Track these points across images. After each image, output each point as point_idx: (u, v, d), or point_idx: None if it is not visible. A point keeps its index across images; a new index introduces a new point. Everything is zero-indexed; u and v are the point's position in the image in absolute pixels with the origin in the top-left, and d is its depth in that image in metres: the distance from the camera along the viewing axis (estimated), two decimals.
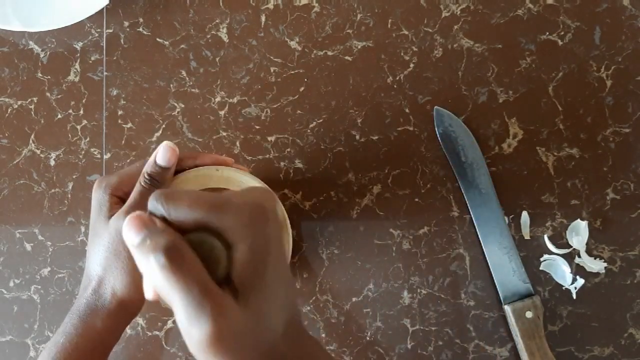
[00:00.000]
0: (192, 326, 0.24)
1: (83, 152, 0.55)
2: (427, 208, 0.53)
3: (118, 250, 0.38)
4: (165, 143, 0.39)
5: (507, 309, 0.50)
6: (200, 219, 0.25)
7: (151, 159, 0.39)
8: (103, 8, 0.55)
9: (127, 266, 0.38)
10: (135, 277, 0.38)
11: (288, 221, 0.43)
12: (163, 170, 0.39)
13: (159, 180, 0.39)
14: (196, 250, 0.25)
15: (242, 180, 0.42)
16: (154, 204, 0.26)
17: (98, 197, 0.40)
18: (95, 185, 0.40)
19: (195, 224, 0.26)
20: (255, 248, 0.26)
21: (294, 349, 0.28)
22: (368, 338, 0.53)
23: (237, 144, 0.55)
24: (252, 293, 0.26)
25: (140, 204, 0.39)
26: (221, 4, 0.56)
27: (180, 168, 0.42)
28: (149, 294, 0.27)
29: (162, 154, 0.39)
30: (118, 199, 0.40)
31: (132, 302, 0.39)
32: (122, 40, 0.56)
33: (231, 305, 0.25)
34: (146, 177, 0.39)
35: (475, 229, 0.52)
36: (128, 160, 0.55)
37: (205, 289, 0.24)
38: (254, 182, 0.42)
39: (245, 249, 0.25)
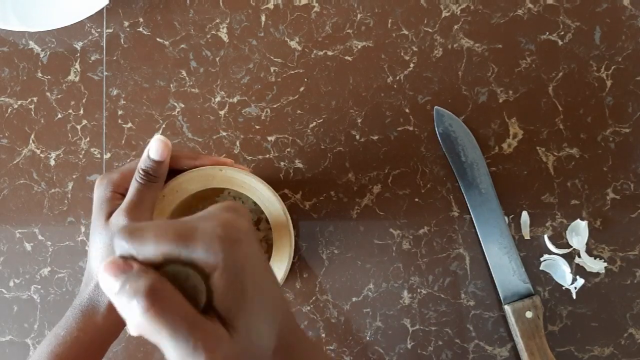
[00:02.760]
0: None
1: (83, 152, 0.55)
2: (427, 208, 0.53)
3: None
4: (156, 137, 0.39)
5: (507, 309, 0.50)
6: (169, 252, 0.24)
7: (144, 155, 0.39)
8: (103, 8, 0.55)
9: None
10: None
11: (290, 222, 0.43)
12: (157, 164, 0.39)
13: (154, 174, 0.39)
14: (173, 283, 0.24)
15: (245, 180, 0.42)
16: (121, 244, 0.25)
17: (100, 193, 0.40)
18: (97, 182, 0.40)
19: (165, 258, 0.25)
20: (230, 271, 0.25)
21: (287, 358, 0.28)
22: (368, 338, 0.53)
23: (237, 144, 0.55)
24: (238, 316, 0.25)
25: (137, 200, 0.39)
26: (221, 4, 0.56)
27: (179, 168, 0.42)
28: (133, 332, 0.25)
29: (154, 148, 0.39)
30: (120, 196, 0.40)
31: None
32: (122, 40, 0.56)
33: (221, 334, 0.24)
34: (141, 172, 0.39)
35: (475, 229, 0.52)
36: (128, 160, 0.55)
37: (193, 324, 0.23)
38: (257, 182, 0.42)
39: (220, 274, 0.24)
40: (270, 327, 0.27)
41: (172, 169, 0.42)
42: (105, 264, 0.24)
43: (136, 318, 0.23)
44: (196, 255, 0.24)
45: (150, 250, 0.24)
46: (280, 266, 0.43)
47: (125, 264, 0.24)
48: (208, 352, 0.23)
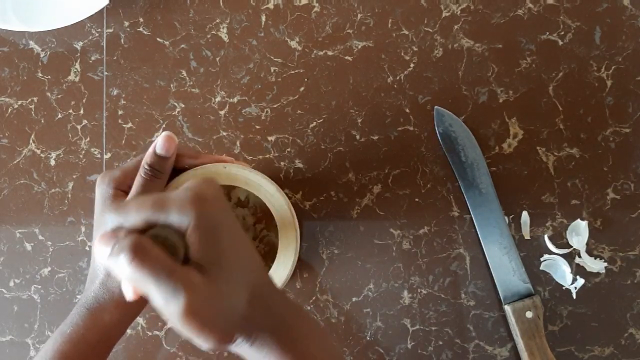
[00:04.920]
0: (168, 304, 0.28)
1: (83, 152, 0.55)
2: (427, 208, 0.53)
3: None
4: (165, 133, 0.40)
5: (507, 308, 0.50)
6: (148, 218, 0.29)
7: (150, 150, 0.40)
8: (103, 8, 0.55)
9: None
10: None
11: (296, 219, 0.43)
12: (163, 160, 0.40)
13: (159, 170, 0.40)
14: (154, 243, 0.29)
15: (249, 177, 0.42)
16: (110, 217, 0.30)
17: (102, 191, 0.40)
18: (99, 179, 0.40)
19: (147, 224, 0.29)
20: (201, 227, 0.29)
21: (260, 311, 0.31)
22: (368, 338, 0.53)
23: (237, 143, 0.55)
24: (211, 265, 0.29)
25: (142, 195, 0.39)
26: (221, 3, 0.56)
27: (180, 166, 0.42)
28: (129, 295, 0.30)
29: (161, 144, 0.39)
30: (122, 193, 0.40)
31: (140, 295, 0.39)
32: (122, 40, 0.56)
33: (197, 279, 0.28)
34: (146, 167, 0.39)
35: (475, 229, 0.52)
36: (128, 160, 0.55)
37: (172, 271, 0.27)
38: (261, 179, 0.43)
39: (192, 230, 0.29)
40: (244, 275, 0.31)
41: (174, 168, 0.42)
42: (98, 237, 0.29)
43: (125, 271, 0.27)
44: (171, 218, 0.29)
45: (133, 218, 0.29)
46: (286, 262, 0.43)
47: (114, 233, 0.29)
48: (186, 293, 0.27)
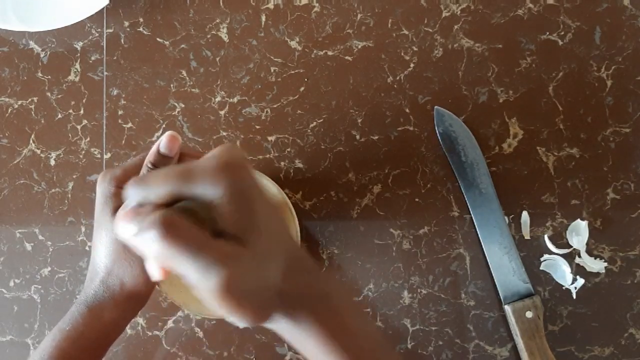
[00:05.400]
0: (203, 281, 0.26)
1: (83, 152, 0.55)
2: (427, 208, 0.53)
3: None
4: (168, 132, 0.39)
5: (507, 308, 0.50)
6: (175, 190, 0.27)
7: (154, 149, 0.39)
8: (103, 8, 0.55)
9: (135, 257, 0.39)
10: (143, 268, 0.39)
11: (296, 219, 0.43)
12: (166, 159, 0.39)
13: None
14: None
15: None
16: (132, 192, 0.28)
17: (103, 189, 0.40)
18: (100, 177, 0.40)
19: (172, 197, 0.27)
20: (234, 197, 0.27)
21: (296, 285, 0.30)
22: None
23: (238, 144, 0.55)
24: (247, 238, 0.28)
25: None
26: (221, 3, 0.56)
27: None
28: (156, 274, 0.28)
29: (165, 143, 0.39)
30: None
31: (140, 293, 0.40)
32: (122, 40, 0.56)
33: (233, 253, 0.27)
34: (149, 166, 0.39)
35: (476, 229, 0.52)
36: (128, 160, 0.55)
37: (206, 244, 0.26)
38: (261, 179, 0.43)
39: (225, 201, 0.27)
40: (279, 248, 0.30)
41: None
42: (121, 215, 0.27)
43: (155, 248, 0.26)
44: (200, 189, 0.27)
45: (159, 191, 0.27)
46: None
47: (137, 209, 0.27)
48: (223, 268, 0.26)
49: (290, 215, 0.44)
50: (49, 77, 0.56)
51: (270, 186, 0.43)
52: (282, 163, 0.54)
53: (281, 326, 0.31)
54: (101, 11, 0.56)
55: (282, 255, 0.30)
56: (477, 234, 0.52)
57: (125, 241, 0.27)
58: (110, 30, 0.56)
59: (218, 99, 0.55)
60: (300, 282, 0.31)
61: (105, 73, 0.56)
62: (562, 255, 0.52)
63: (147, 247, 0.26)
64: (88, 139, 0.55)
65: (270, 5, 0.56)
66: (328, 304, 0.32)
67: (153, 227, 0.26)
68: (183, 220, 0.26)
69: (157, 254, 0.26)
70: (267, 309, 0.29)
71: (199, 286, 0.27)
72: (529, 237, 0.53)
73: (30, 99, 0.56)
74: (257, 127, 0.55)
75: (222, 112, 0.55)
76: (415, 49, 0.55)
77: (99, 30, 0.56)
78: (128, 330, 0.53)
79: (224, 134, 0.55)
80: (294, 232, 0.44)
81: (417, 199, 0.53)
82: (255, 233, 0.28)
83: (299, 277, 0.31)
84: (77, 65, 0.56)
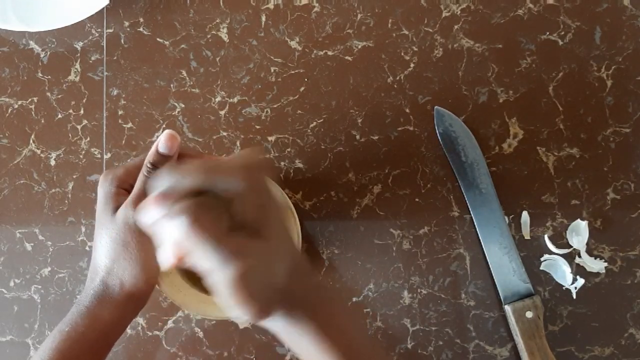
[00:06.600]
0: (218, 271, 0.28)
1: (83, 152, 0.55)
2: (427, 208, 0.53)
3: (126, 241, 0.38)
4: (167, 131, 0.39)
5: (508, 309, 0.50)
6: (204, 183, 0.29)
7: (153, 148, 0.39)
8: (103, 8, 0.55)
9: (135, 257, 0.38)
10: (143, 268, 0.39)
11: (297, 219, 0.43)
12: (165, 158, 0.39)
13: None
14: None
15: None
16: (165, 178, 0.30)
17: (104, 189, 0.40)
18: (102, 177, 0.40)
19: (199, 189, 0.29)
20: (255, 195, 0.30)
21: (298, 286, 0.32)
22: None
23: (238, 144, 0.55)
24: (261, 234, 0.30)
25: (145, 193, 0.39)
26: (221, 3, 0.56)
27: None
28: (170, 259, 0.30)
29: (163, 142, 0.39)
30: (124, 191, 0.40)
31: (140, 292, 0.40)
32: (122, 40, 0.56)
33: (249, 247, 0.29)
34: (149, 166, 0.39)
35: (476, 229, 0.52)
36: (128, 160, 0.55)
37: (226, 237, 0.28)
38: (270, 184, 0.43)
39: (246, 198, 0.29)
40: (285, 248, 0.32)
41: None
42: (152, 198, 0.29)
43: (179, 233, 0.27)
44: (225, 184, 0.29)
45: (190, 181, 0.29)
46: None
47: (166, 194, 0.29)
48: (239, 261, 0.28)
49: (292, 217, 0.44)
50: (49, 77, 0.56)
51: (274, 189, 0.43)
52: (282, 163, 0.54)
53: (278, 324, 0.32)
54: (101, 11, 0.56)
55: (287, 256, 0.32)
56: (477, 234, 0.52)
57: (145, 226, 0.29)
58: (110, 30, 0.56)
59: (218, 99, 0.55)
60: (300, 284, 0.32)
61: (105, 73, 0.56)
62: (562, 255, 0.52)
63: (172, 231, 0.28)
64: (88, 139, 0.55)
65: (270, 5, 0.56)
66: (327, 308, 0.34)
67: (185, 212, 0.27)
68: (206, 211, 0.28)
69: (179, 240, 0.28)
70: (270, 306, 0.31)
71: (213, 276, 0.28)
72: (529, 237, 0.53)
73: (30, 99, 0.56)
74: (257, 127, 0.55)
75: (222, 112, 0.55)
76: (415, 49, 0.55)
77: (99, 30, 0.56)
78: (128, 330, 0.53)
79: (224, 134, 0.55)
80: (295, 234, 0.45)
81: (417, 199, 0.53)
82: (269, 230, 0.30)
83: (300, 279, 0.32)
84: (77, 65, 0.56)
